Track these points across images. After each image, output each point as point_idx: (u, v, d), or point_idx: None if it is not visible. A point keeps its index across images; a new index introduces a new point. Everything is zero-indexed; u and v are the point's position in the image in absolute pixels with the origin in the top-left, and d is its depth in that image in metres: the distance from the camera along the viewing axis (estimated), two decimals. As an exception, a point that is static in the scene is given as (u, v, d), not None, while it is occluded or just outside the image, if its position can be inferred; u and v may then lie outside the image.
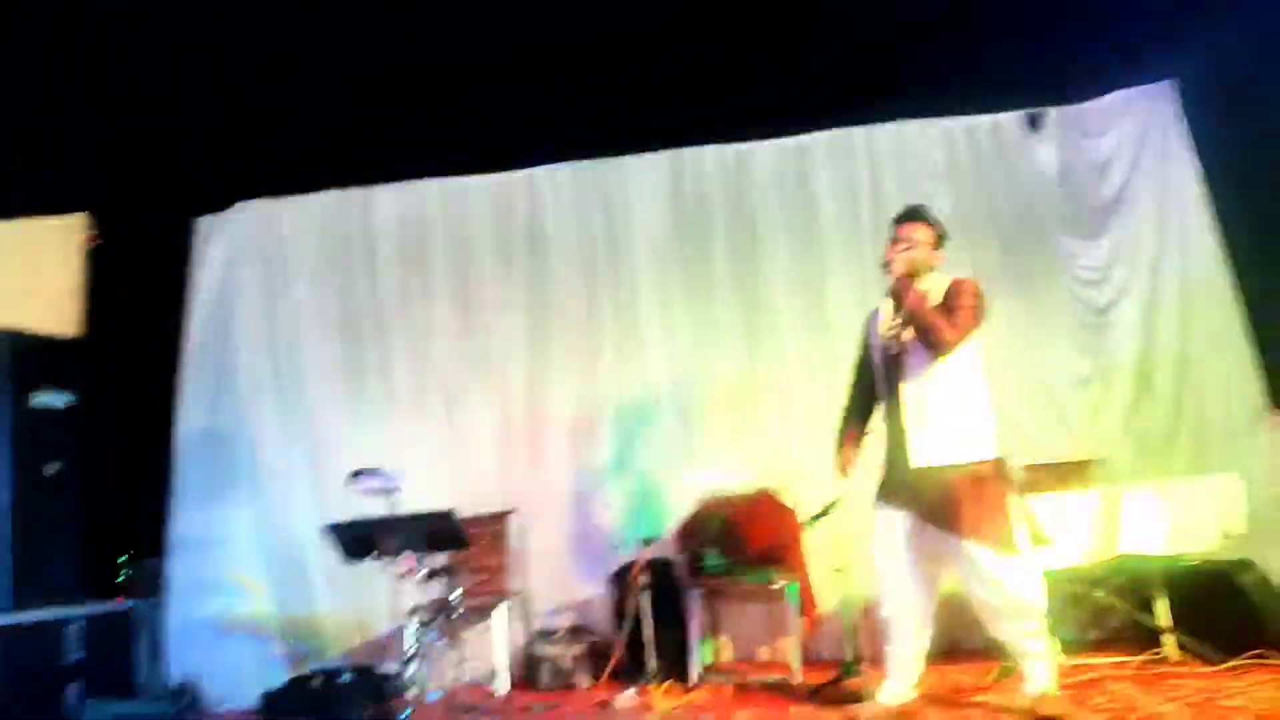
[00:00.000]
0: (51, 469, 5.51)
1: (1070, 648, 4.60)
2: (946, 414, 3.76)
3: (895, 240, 3.94)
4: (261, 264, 6.38)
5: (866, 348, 4.14)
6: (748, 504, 5.48)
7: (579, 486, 5.96)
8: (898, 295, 3.88)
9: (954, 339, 3.73)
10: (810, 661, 5.18)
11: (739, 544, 5.34)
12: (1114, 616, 4.85)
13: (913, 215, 3.99)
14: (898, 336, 3.88)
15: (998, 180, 5.93)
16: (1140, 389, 5.59)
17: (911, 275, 3.87)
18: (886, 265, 3.91)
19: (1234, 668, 4.06)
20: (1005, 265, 5.81)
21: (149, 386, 6.40)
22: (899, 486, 3.84)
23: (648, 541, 5.34)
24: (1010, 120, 5.96)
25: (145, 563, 6.17)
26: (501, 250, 6.27)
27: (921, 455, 3.75)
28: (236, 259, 6.39)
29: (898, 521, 3.87)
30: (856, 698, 4.20)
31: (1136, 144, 5.82)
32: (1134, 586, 4.66)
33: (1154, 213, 5.74)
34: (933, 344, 3.74)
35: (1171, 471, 5.25)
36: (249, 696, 5.58)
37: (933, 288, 3.88)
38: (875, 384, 4.04)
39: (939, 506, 3.71)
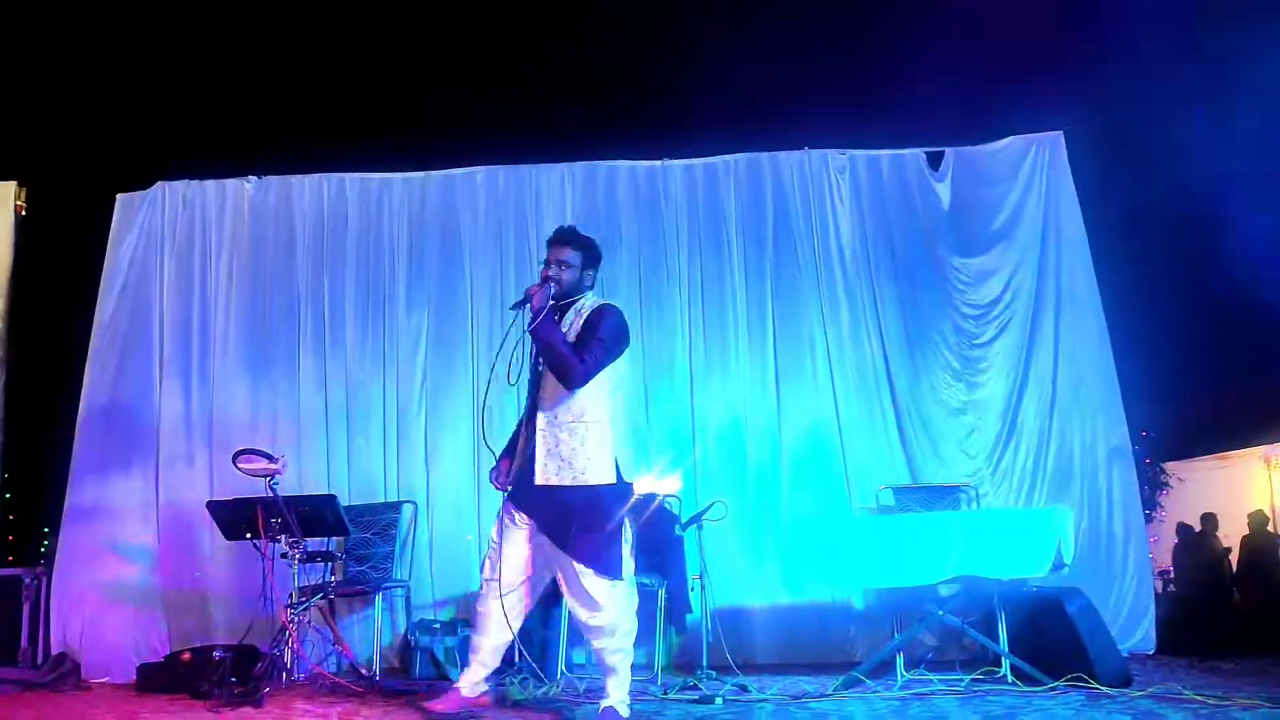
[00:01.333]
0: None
1: (915, 664, 4.81)
2: (572, 438, 3.82)
3: (547, 262, 3.97)
4: (178, 244, 6.46)
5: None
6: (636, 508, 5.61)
7: (475, 482, 6.08)
8: (533, 328, 3.84)
9: (583, 375, 3.78)
10: (680, 665, 5.36)
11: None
12: (961, 637, 5.04)
13: (565, 238, 4.03)
14: (531, 362, 3.96)
15: (895, 212, 6.16)
16: (1009, 423, 5.82)
17: (545, 309, 3.80)
18: (527, 290, 3.86)
19: (1053, 688, 4.26)
20: (897, 292, 6.05)
21: (62, 358, 6.49)
22: (526, 495, 3.91)
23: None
24: (911, 157, 6.20)
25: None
26: (414, 248, 6.40)
27: (544, 475, 3.82)
28: (154, 237, 6.47)
29: (522, 524, 3.94)
30: (709, 700, 4.36)
31: (1025, 188, 6.10)
32: (978, 608, 4.87)
33: (1036, 255, 6.01)
34: (564, 379, 3.80)
35: (1034, 504, 5.52)
36: (127, 670, 5.69)
37: (585, 307, 3.98)
38: None
39: (555, 522, 3.81)
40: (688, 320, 6.17)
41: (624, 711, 3.81)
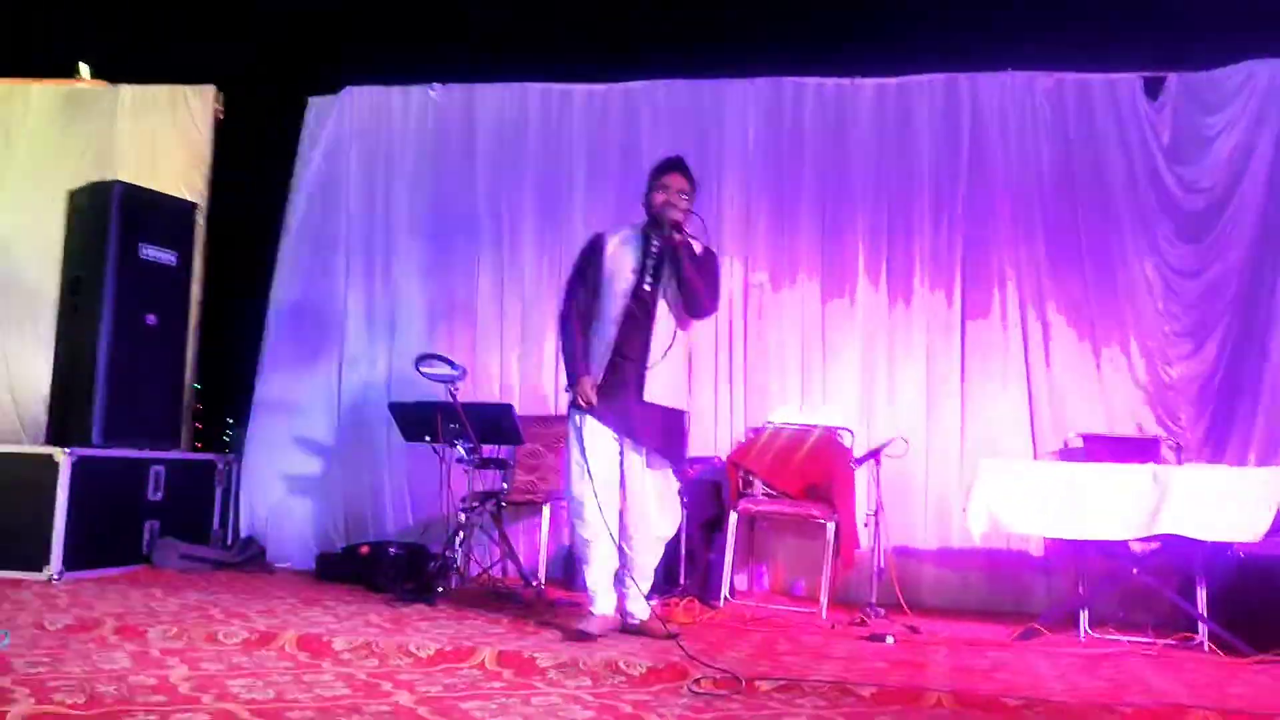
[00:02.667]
0: (152, 320, 5.84)
1: (1102, 622, 4.58)
2: (671, 364, 4.01)
3: (666, 188, 3.99)
4: (365, 149, 6.59)
5: (596, 270, 4.12)
6: (804, 437, 5.51)
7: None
8: (673, 248, 3.93)
9: (713, 310, 4.19)
10: (842, 602, 5.26)
11: (788, 476, 5.39)
12: (1153, 598, 4.77)
13: (684, 168, 4.05)
14: (654, 282, 3.97)
15: (1106, 142, 5.69)
16: (1220, 377, 5.39)
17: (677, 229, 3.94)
18: (662, 213, 3.95)
19: (1260, 661, 3.97)
20: (1104, 230, 5.65)
21: (256, 258, 6.75)
22: (620, 411, 3.98)
23: (697, 462, 5.47)
24: (1126, 82, 5.72)
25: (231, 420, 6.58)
26: (594, 162, 6.33)
27: (651, 393, 3.96)
28: (343, 142, 6.61)
29: (611, 441, 4.03)
30: (880, 638, 4.26)
31: (1257, 120, 5.46)
32: (1176, 570, 4.58)
33: (1262, 194, 5.45)
34: (695, 310, 4.05)
35: (1244, 464, 5.13)
36: (308, 558, 5.97)
37: (689, 242, 4.02)
38: (598, 307, 4.08)
39: (656, 435, 4.00)
40: (867, 250, 5.92)
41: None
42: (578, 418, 4.07)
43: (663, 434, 4.02)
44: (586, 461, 4.01)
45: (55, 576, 5.03)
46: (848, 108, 6.05)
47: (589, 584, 4.13)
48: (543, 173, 6.39)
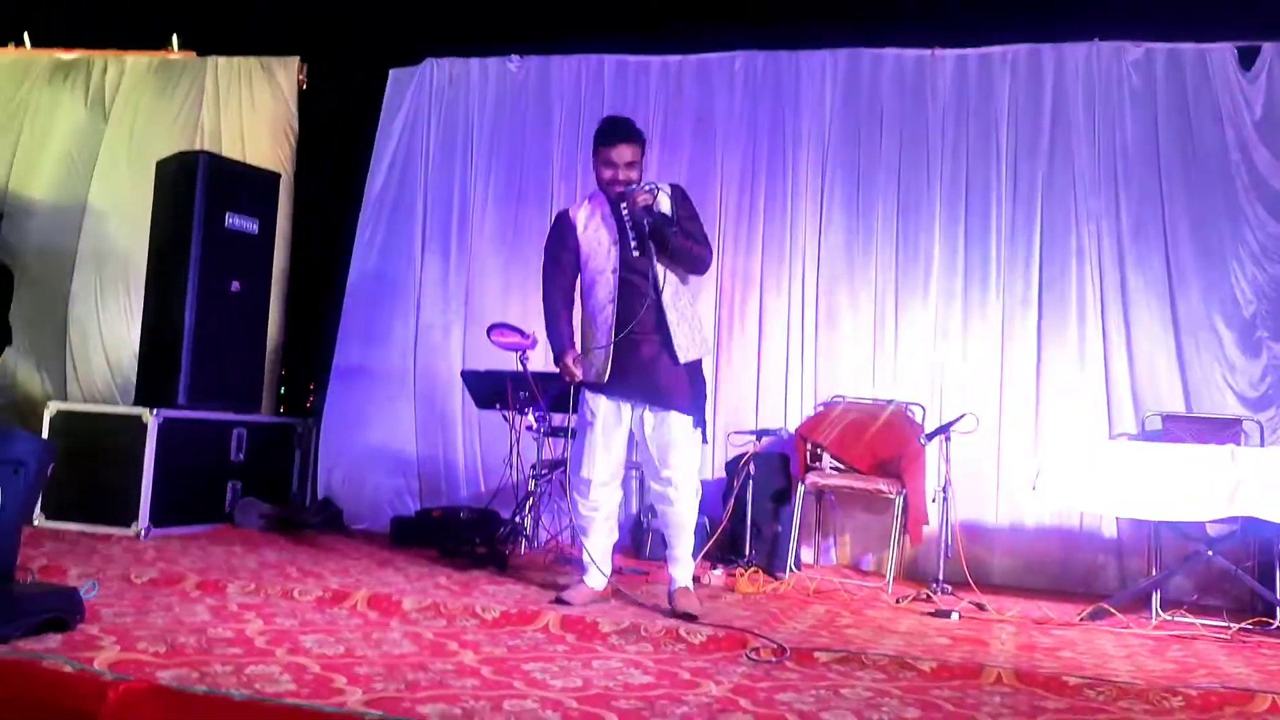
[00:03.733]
0: (236, 287, 6.02)
1: (1173, 605, 4.49)
2: (689, 316, 3.97)
3: (612, 164, 3.95)
4: (444, 120, 6.68)
5: (573, 252, 4.07)
6: (874, 412, 5.49)
7: (717, 371, 6.06)
8: (639, 224, 3.86)
9: (711, 256, 4.12)
10: (908, 578, 5.25)
11: (858, 450, 5.37)
12: (1229, 581, 4.67)
13: (626, 132, 3.99)
14: (642, 245, 3.89)
15: (1196, 116, 5.51)
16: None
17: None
18: (618, 190, 3.92)
19: (1340, 650, 3.87)
20: (1191, 207, 5.48)
21: (337, 227, 6.90)
22: (627, 378, 3.90)
23: (767, 435, 5.47)
24: (1219, 52, 5.52)
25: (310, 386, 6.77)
26: (668, 133, 6.33)
27: (683, 353, 3.88)
28: (422, 113, 6.71)
29: (619, 412, 3.96)
30: (946, 614, 4.24)
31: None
32: (1253, 553, 4.47)
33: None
34: (697, 268, 4.04)
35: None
36: (382, 520, 6.12)
37: (653, 190, 3.92)
38: (586, 288, 4.04)
39: (663, 390, 3.88)
40: (943, 224, 5.83)
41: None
42: (590, 398, 4.01)
43: (690, 394, 3.93)
44: (599, 442, 3.97)
45: (142, 532, 5.24)
46: (927, 79, 5.95)
47: (584, 555, 4.08)
48: (615, 142, 6.40)
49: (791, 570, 5.06)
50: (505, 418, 5.31)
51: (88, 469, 5.25)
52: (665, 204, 3.96)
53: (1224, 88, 5.49)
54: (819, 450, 5.44)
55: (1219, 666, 3.52)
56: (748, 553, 5.15)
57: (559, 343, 4.05)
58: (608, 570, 4.09)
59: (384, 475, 6.38)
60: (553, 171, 6.48)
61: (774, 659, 3.25)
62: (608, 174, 3.97)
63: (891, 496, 5.10)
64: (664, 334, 3.87)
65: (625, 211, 3.94)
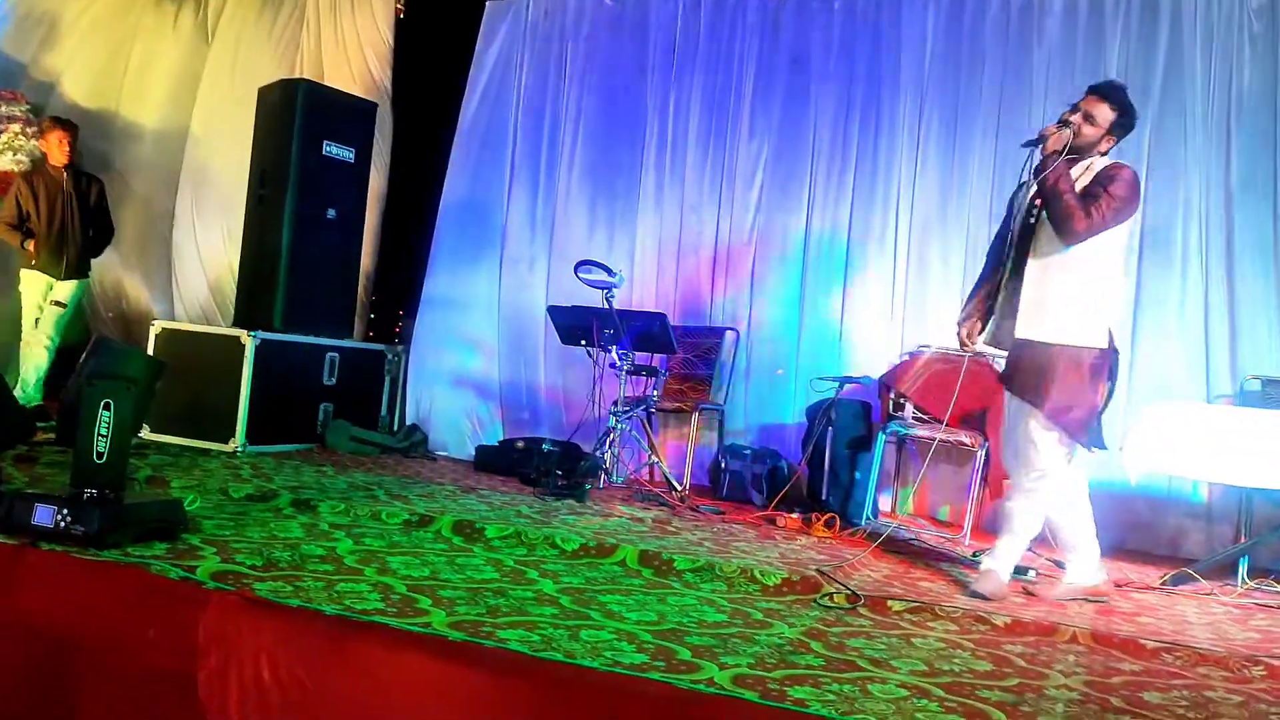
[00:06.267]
0: (332, 214, 6.15)
1: (1261, 574, 4.40)
2: (1064, 293, 3.59)
3: (1074, 109, 3.64)
4: (537, 52, 6.70)
5: (1006, 219, 3.88)
6: (959, 364, 5.40)
7: (801, 317, 6.05)
8: (1038, 168, 3.57)
9: (1084, 230, 3.50)
10: (987, 531, 5.20)
11: (940, 400, 5.31)
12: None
13: (1104, 91, 3.67)
14: (1035, 209, 3.65)
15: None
16: None
17: (1060, 152, 3.53)
18: (1044, 130, 3.59)
19: None
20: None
21: (431, 154, 6.98)
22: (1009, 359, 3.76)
23: (850, 381, 5.44)
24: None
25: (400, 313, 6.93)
26: (763, 71, 6.24)
27: (1027, 328, 3.63)
28: (517, 44, 6.73)
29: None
30: (1021, 571, 4.20)
31: None
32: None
33: None
34: (1063, 231, 3.55)
35: None
36: (466, 448, 6.28)
37: (1089, 168, 3.63)
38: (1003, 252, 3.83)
39: (1028, 379, 3.62)
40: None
41: (1004, 578, 3.70)
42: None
43: (1045, 386, 3.56)
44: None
45: (239, 449, 5.45)
46: (1033, 19, 5.72)
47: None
48: (711, 81, 6.34)
49: (868, 518, 5.06)
50: (589, 354, 5.37)
51: (189, 386, 5.46)
52: (1060, 140, 3.58)
53: (1353, 35, 5.20)
54: (901, 399, 5.39)
55: (1305, 638, 3.46)
56: (825, 498, 5.16)
57: (962, 310, 3.99)
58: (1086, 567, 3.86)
59: (469, 404, 6.53)
60: (646, 108, 6.45)
61: (847, 605, 3.28)
62: (1063, 115, 3.67)
63: (973, 449, 5.06)
64: (1017, 305, 3.66)
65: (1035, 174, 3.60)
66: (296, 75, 6.94)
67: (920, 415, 5.30)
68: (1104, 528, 5.30)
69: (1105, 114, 3.62)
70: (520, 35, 6.72)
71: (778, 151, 6.18)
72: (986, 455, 5.00)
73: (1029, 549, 4.52)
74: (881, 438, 5.29)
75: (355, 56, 7.27)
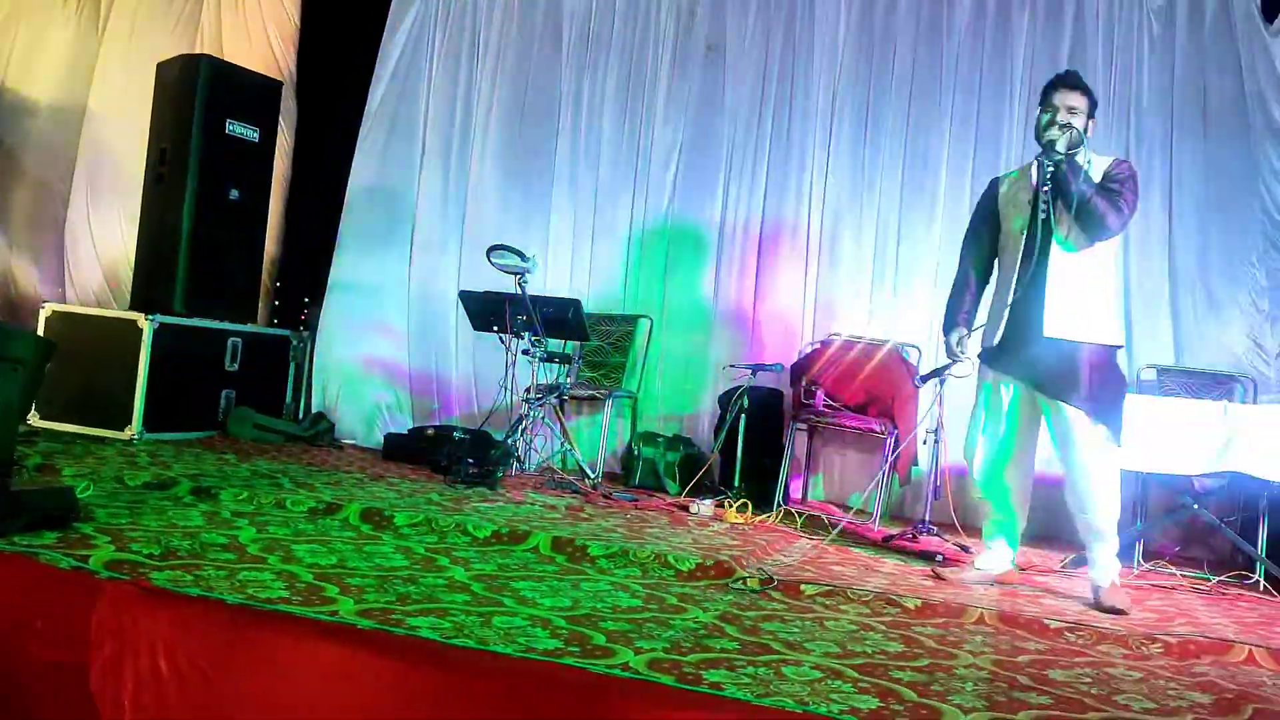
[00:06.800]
0: (235, 195, 5.96)
1: (1155, 556, 4.55)
2: (1086, 291, 3.62)
3: (1054, 108, 3.63)
4: (450, 33, 6.57)
5: (988, 219, 3.88)
6: (870, 351, 5.48)
7: (713, 303, 6.06)
8: (1059, 174, 3.53)
9: (1118, 228, 3.59)
10: (896, 518, 5.30)
11: (851, 389, 5.38)
12: (1212, 535, 4.73)
13: (1073, 81, 3.70)
14: (1049, 208, 3.57)
15: (1214, 65, 5.41)
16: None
17: (1072, 150, 3.55)
18: (1048, 135, 3.56)
19: (1316, 606, 3.94)
20: (1202, 155, 5.42)
21: (338, 135, 6.80)
22: (1018, 357, 3.67)
23: (762, 369, 5.47)
24: (1242, 1, 5.42)
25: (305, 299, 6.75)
26: (679, 57, 6.23)
27: (1056, 326, 3.58)
28: (428, 24, 6.59)
29: (1005, 397, 3.77)
30: (929, 557, 4.27)
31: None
32: (1238, 508, 4.52)
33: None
34: (1098, 231, 3.56)
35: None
36: (374, 436, 6.15)
37: (1090, 163, 3.65)
38: (994, 256, 3.86)
39: (1060, 378, 3.58)
40: (950, 164, 5.76)
41: (1117, 581, 3.69)
42: (980, 368, 3.88)
43: (1087, 386, 3.56)
44: (980, 419, 3.84)
45: (136, 436, 5.25)
46: (943, 12, 5.82)
47: (983, 536, 4.02)
48: (626, 66, 6.31)
49: (779, 504, 5.09)
50: (501, 340, 5.29)
51: (82, 371, 5.23)
52: (1097, 162, 3.69)
53: (1246, 39, 5.39)
54: (813, 387, 5.44)
55: (1197, 616, 3.58)
56: (737, 484, 5.18)
57: (947, 319, 3.94)
58: (1000, 554, 3.91)
59: (378, 391, 6.39)
60: (560, 92, 6.38)
61: (760, 589, 3.29)
62: (1045, 117, 3.65)
63: (882, 436, 5.14)
64: (1041, 304, 3.60)
65: (1048, 170, 3.57)
66: (197, 51, 6.70)
67: (831, 403, 5.36)
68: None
69: (1083, 103, 3.67)
70: (431, 16, 6.59)
71: (692, 138, 6.18)
72: (896, 442, 5.08)
73: (933, 533, 4.64)
74: (793, 425, 5.33)
75: (258, 34, 7.04)
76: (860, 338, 5.61)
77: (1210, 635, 3.17)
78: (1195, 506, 4.44)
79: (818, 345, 5.66)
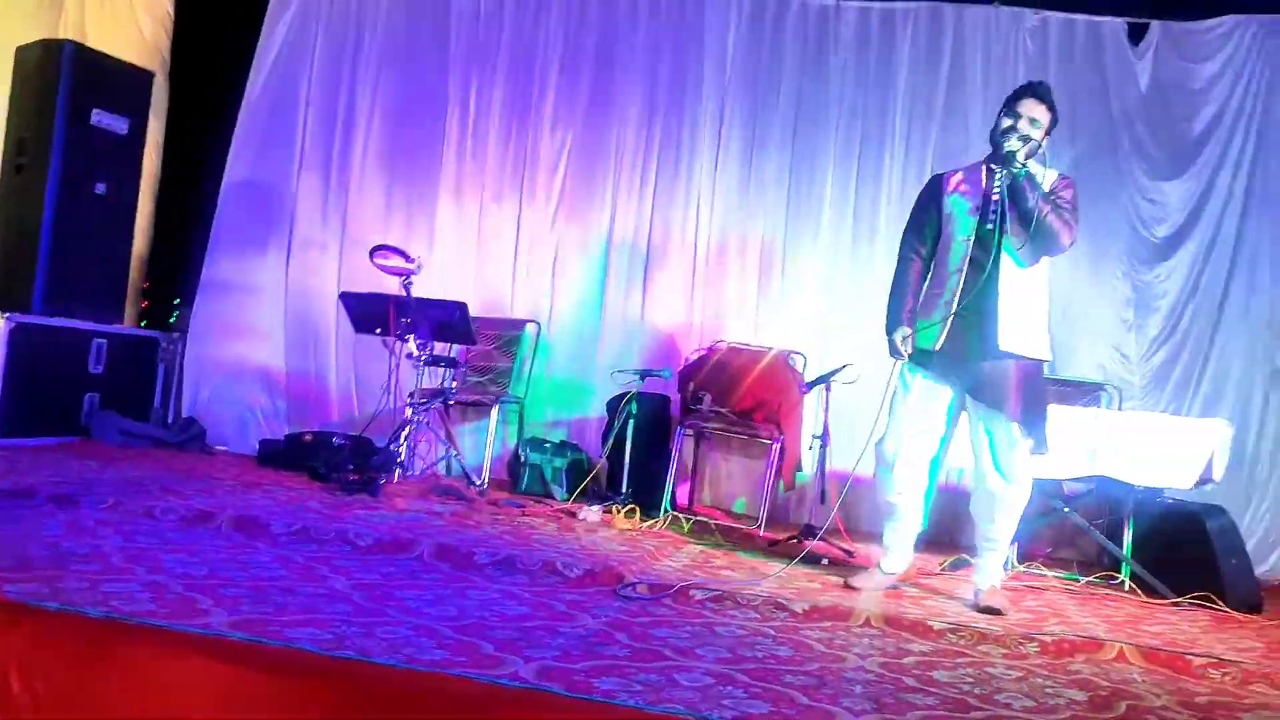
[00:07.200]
0: (100, 189, 5.67)
1: (1029, 558, 4.69)
2: (1032, 307, 3.63)
3: (1016, 116, 3.58)
4: (333, 27, 6.39)
5: (934, 217, 3.76)
6: (756, 358, 5.53)
7: (601, 308, 6.04)
8: (1016, 186, 3.50)
9: (1070, 244, 3.57)
10: (781, 523, 5.34)
11: (737, 395, 5.41)
12: (1082, 537, 4.91)
13: (1041, 93, 3.64)
14: (1001, 221, 3.54)
15: (1085, 86, 5.65)
16: (1172, 327, 5.49)
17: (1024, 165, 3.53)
18: (1007, 145, 3.51)
19: (1177, 604, 4.11)
20: (1074, 172, 5.62)
21: (213, 129, 6.53)
22: (962, 365, 3.64)
23: (650, 374, 5.46)
24: (1110, 26, 5.67)
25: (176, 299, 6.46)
26: (568, 61, 6.19)
27: (1009, 341, 3.55)
28: (310, 17, 6.39)
29: (940, 398, 3.73)
30: (815, 560, 4.30)
31: (1235, 76, 5.50)
32: (1106, 511, 4.71)
33: (1235, 151, 5.49)
34: (1048, 248, 3.56)
35: (1182, 414, 5.26)
36: (249, 442, 5.92)
37: (1040, 174, 3.63)
38: (934, 256, 3.76)
39: (999, 389, 3.57)
40: (836, 174, 5.88)
41: (997, 584, 3.75)
42: (908, 369, 3.76)
43: (1019, 398, 3.56)
44: (909, 420, 3.73)
45: (-11, 442, 4.95)
46: (830, 28, 5.94)
47: (883, 539, 3.94)
48: (515, 70, 6.25)
49: (667, 510, 5.08)
50: (385, 343, 5.16)
51: (-72, 372, 4.91)
52: (1047, 175, 3.65)
53: (1114, 61, 5.64)
54: (700, 393, 5.47)
55: (1069, 616, 3.69)
56: (625, 490, 5.15)
57: (891, 317, 3.78)
58: (906, 559, 3.91)
59: (253, 395, 6.16)
60: (447, 93, 6.27)
61: (649, 595, 3.26)
62: (1007, 123, 3.58)
63: (768, 441, 5.18)
64: (993, 317, 3.54)
65: (997, 179, 3.56)
66: (60, 36, 6.35)
67: (718, 409, 5.38)
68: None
69: (1045, 115, 3.62)
70: (315, 10, 6.39)
71: (581, 144, 6.15)
72: (781, 448, 5.13)
73: (822, 539, 4.68)
74: (680, 430, 5.34)
75: (127, 20, 6.69)
76: (747, 344, 5.66)
77: (1083, 634, 3.27)
78: (1066, 510, 4.61)
79: (705, 351, 5.68)
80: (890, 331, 3.76)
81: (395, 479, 5.05)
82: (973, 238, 3.61)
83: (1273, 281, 5.41)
